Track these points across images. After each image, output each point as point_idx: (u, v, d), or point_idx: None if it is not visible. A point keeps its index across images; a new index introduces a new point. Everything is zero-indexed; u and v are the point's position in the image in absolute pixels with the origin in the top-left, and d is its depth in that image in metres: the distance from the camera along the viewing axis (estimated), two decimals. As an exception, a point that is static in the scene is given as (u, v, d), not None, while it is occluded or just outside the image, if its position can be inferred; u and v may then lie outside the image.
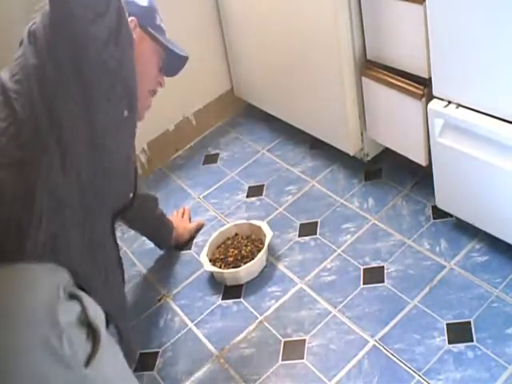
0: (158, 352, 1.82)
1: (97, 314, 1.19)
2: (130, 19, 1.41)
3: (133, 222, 1.98)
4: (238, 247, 2.02)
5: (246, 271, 1.94)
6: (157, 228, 2.05)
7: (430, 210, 2.00)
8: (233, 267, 1.95)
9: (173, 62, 1.64)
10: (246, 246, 2.02)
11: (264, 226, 2.04)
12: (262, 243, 2.00)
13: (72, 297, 1.18)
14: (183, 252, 2.11)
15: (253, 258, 1.95)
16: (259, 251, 1.97)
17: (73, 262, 1.24)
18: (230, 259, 1.98)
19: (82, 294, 1.19)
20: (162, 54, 1.60)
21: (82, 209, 1.30)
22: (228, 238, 2.07)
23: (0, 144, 1.23)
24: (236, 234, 2.08)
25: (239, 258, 1.98)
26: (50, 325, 1.08)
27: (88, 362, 1.10)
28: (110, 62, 1.29)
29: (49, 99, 1.25)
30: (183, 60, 1.66)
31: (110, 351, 1.20)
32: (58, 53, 1.25)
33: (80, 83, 1.26)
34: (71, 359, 1.07)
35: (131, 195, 1.53)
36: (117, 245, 1.50)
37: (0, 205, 1.18)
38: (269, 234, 2.00)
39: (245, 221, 2.10)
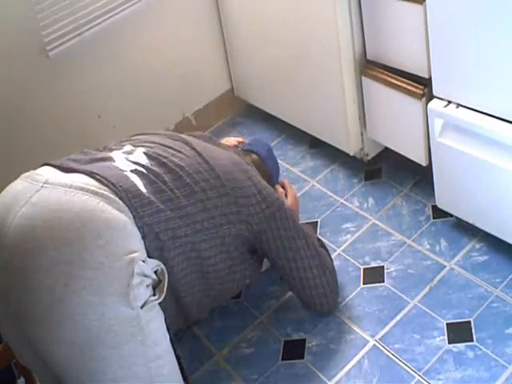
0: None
1: (164, 273, 1.38)
2: None
3: None
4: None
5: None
6: None
7: (430, 210, 2.00)
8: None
9: None
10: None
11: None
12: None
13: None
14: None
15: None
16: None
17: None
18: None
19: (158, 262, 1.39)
20: None
21: None
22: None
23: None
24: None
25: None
26: (128, 271, 1.29)
27: (143, 306, 1.31)
28: None
29: None
30: None
31: (159, 311, 1.38)
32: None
33: None
34: (133, 301, 1.29)
35: None
36: None
37: None
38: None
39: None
